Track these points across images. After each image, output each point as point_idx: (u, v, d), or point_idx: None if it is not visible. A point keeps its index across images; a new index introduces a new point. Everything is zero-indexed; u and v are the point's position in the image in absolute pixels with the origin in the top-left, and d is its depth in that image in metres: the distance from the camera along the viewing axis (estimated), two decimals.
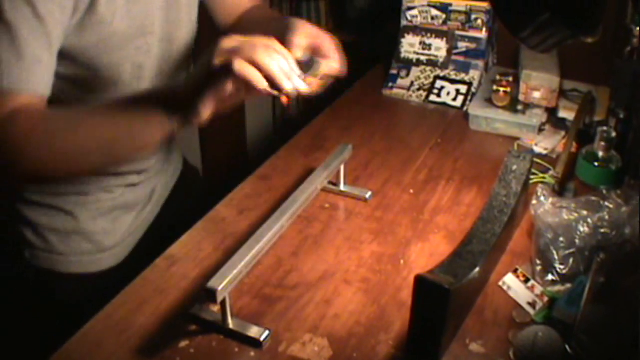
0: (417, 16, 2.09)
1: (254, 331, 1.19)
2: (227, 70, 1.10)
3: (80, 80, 1.35)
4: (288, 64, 1.13)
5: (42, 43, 1.21)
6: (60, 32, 1.24)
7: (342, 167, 1.54)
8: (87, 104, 1.33)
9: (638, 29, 1.59)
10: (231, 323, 1.19)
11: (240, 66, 1.09)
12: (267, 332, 1.19)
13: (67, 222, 1.52)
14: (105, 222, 1.55)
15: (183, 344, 1.19)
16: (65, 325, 1.29)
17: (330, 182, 1.55)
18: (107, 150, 1.23)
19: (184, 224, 1.50)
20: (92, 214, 1.53)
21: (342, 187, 1.57)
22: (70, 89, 1.35)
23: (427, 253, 1.40)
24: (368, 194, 1.56)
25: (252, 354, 1.17)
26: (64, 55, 1.29)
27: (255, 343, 1.18)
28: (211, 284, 1.12)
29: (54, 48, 1.24)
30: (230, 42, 1.12)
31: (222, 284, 1.12)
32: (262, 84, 1.10)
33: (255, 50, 1.10)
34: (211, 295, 1.12)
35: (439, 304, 1.07)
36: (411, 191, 1.60)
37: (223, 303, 1.16)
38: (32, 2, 1.17)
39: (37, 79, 1.22)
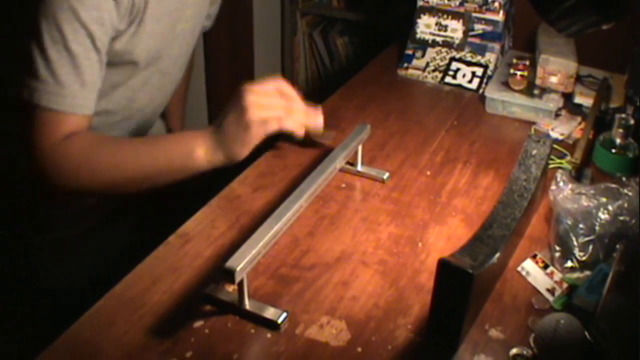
0: None
1: (271, 313, 1.17)
2: (265, 125, 1.37)
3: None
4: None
5: (97, 70, 1.39)
6: (105, 59, 1.42)
7: (359, 148, 1.52)
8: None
9: None
10: (248, 304, 1.18)
11: (280, 124, 1.39)
12: (284, 314, 1.17)
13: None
14: None
15: (197, 324, 1.17)
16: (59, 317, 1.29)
17: (348, 162, 1.53)
18: (146, 180, 1.43)
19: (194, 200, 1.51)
20: None
21: (359, 168, 1.56)
22: None
23: (445, 236, 1.39)
24: (386, 175, 1.55)
25: (269, 335, 1.15)
26: None
27: (272, 325, 1.16)
28: (229, 263, 1.10)
29: (102, 73, 1.41)
30: (256, 95, 1.37)
31: (241, 264, 1.10)
32: (301, 133, 1.44)
33: (290, 111, 1.41)
34: (229, 275, 1.10)
35: (462, 288, 1.06)
36: (428, 173, 1.58)
37: (240, 284, 1.15)
38: (92, 35, 1.33)
39: (92, 103, 1.40)
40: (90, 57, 1.36)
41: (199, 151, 1.39)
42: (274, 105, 1.39)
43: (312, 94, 3.29)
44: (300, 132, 1.44)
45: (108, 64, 1.43)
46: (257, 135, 1.37)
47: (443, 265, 1.07)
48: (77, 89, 1.35)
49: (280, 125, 1.39)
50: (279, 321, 1.16)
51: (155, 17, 1.46)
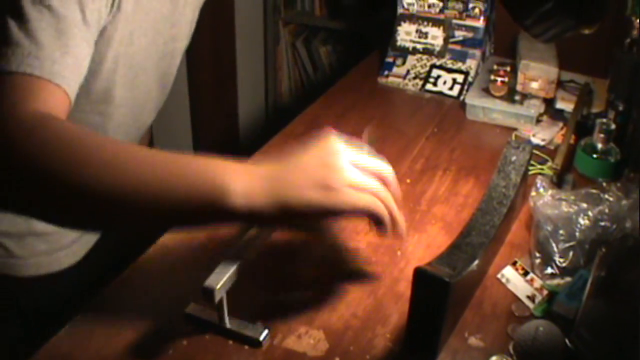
0: (413, 4, 2.06)
1: (252, 330, 1.15)
2: (358, 198, 1.03)
3: None
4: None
5: (85, 48, 1.10)
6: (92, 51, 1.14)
7: None
8: None
9: (638, 20, 1.57)
10: (228, 323, 1.15)
11: (376, 208, 1.05)
12: (266, 331, 1.15)
13: (19, 224, 1.43)
14: None
15: (176, 336, 1.16)
16: (33, 334, 1.24)
17: None
18: (143, 210, 0.99)
19: None
20: None
21: None
22: None
23: (424, 244, 1.38)
24: None
25: (247, 347, 1.14)
26: None
27: (254, 342, 1.14)
28: (208, 282, 1.07)
29: (88, 59, 1.12)
30: (355, 161, 1.05)
31: (220, 282, 1.07)
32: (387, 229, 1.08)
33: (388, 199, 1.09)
34: (209, 294, 1.07)
35: (439, 296, 1.05)
36: (408, 181, 1.57)
37: (220, 302, 1.12)
38: (83, 7, 1.07)
39: (74, 77, 1.07)
40: (79, 27, 1.07)
41: (235, 184, 0.97)
42: (374, 186, 1.06)
43: (296, 103, 3.30)
44: (386, 227, 1.08)
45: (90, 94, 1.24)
46: (339, 204, 1.01)
47: (419, 274, 1.06)
48: (59, 56, 1.03)
49: (374, 208, 1.05)
50: (261, 338, 1.14)
51: (142, 30, 1.30)
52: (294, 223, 1.14)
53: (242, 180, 0.98)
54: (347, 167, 1.02)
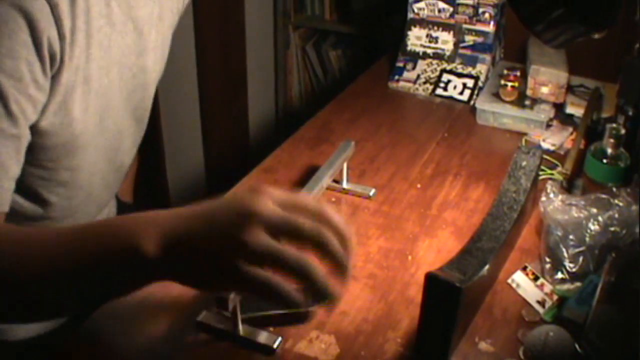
0: (423, 8, 2.07)
1: (265, 337, 1.16)
2: (266, 258, 0.87)
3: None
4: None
5: (9, 148, 1.05)
6: (29, 135, 1.10)
7: (344, 165, 1.51)
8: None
9: None
10: (242, 330, 1.16)
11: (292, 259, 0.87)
12: (279, 339, 1.15)
13: None
14: None
15: (188, 342, 1.17)
16: None
17: (334, 180, 1.51)
18: (69, 286, 0.96)
19: None
20: None
21: (344, 185, 1.54)
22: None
23: (435, 249, 1.38)
24: (372, 192, 1.54)
25: (259, 354, 1.15)
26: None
27: (267, 350, 1.15)
28: None
29: (20, 155, 1.09)
30: (272, 211, 0.88)
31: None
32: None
33: (318, 235, 0.89)
34: (223, 302, 1.07)
35: (450, 302, 1.06)
36: (418, 186, 1.58)
37: (234, 310, 1.12)
38: (5, 95, 1.02)
39: (6, 194, 1.06)
40: (3, 128, 1.03)
41: (147, 245, 0.89)
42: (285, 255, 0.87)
43: (306, 107, 3.30)
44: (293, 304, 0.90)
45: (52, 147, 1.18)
46: (226, 285, 0.95)
47: (431, 279, 1.06)
48: None
49: (266, 292, 0.88)
50: (275, 346, 1.15)
51: (103, 69, 1.22)
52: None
53: (154, 234, 0.89)
54: (251, 237, 0.85)
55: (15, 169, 1.07)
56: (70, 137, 1.19)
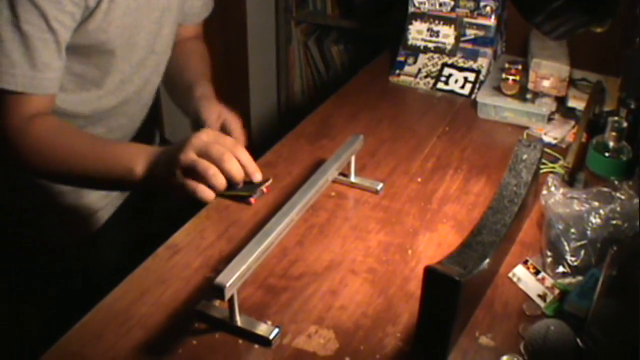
0: (425, 3, 2.06)
1: (263, 329, 1.15)
2: (192, 168, 1.29)
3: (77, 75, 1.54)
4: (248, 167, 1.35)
5: (52, 51, 1.38)
6: (69, 37, 1.41)
7: (353, 159, 1.50)
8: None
9: None
10: (239, 320, 1.16)
11: (204, 167, 1.28)
12: (276, 330, 1.15)
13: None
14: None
15: (186, 336, 1.16)
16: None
17: (341, 173, 1.50)
18: (86, 181, 1.47)
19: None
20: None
21: (352, 179, 1.53)
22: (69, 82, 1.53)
23: (435, 243, 1.38)
24: (380, 186, 1.52)
25: (257, 346, 1.14)
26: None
27: (264, 341, 1.14)
28: (219, 280, 1.08)
29: (62, 53, 1.41)
30: (201, 141, 1.31)
31: (231, 280, 1.08)
32: (222, 185, 1.30)
33: (221, 157, 1.29)
34: (220, 291, 1.08)
35: (449, 296, 1.05)
36: (419, 180, 1.57)
37: (231, 300, 1.12)
38: (45, 14, 1.33)
39: (47, 83, 1.40)
40: (45, 37, 1.36)
41: (138, 166, 1.37)
42: (213, 152, 1.31)
43: (308, 102, 3.29)
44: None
45: (86, 49, 1.47)
46: (173, 186, 1.33)
47: (430, 273, 1.05)
48: (28, 70, 1.36)
49: (190, 192, 1.31)
50: (271, 337, 1.14)
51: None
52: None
53: (143, 162, 1.36)
54: (184, 156, 1.30)
55: (57, 64, 1.41)
56: (102, 41, 1.49)
